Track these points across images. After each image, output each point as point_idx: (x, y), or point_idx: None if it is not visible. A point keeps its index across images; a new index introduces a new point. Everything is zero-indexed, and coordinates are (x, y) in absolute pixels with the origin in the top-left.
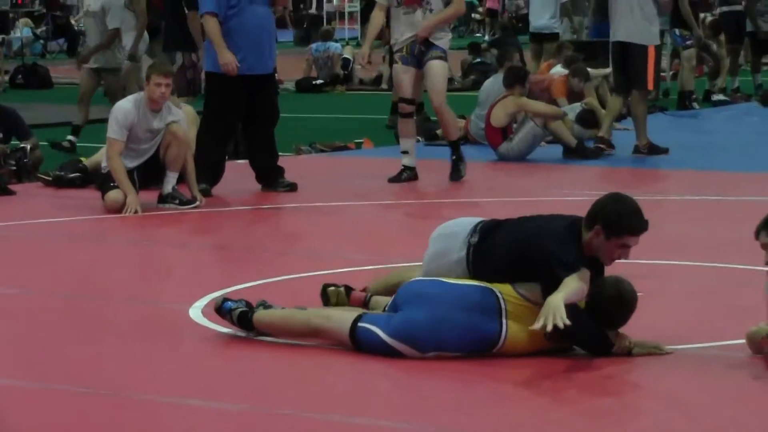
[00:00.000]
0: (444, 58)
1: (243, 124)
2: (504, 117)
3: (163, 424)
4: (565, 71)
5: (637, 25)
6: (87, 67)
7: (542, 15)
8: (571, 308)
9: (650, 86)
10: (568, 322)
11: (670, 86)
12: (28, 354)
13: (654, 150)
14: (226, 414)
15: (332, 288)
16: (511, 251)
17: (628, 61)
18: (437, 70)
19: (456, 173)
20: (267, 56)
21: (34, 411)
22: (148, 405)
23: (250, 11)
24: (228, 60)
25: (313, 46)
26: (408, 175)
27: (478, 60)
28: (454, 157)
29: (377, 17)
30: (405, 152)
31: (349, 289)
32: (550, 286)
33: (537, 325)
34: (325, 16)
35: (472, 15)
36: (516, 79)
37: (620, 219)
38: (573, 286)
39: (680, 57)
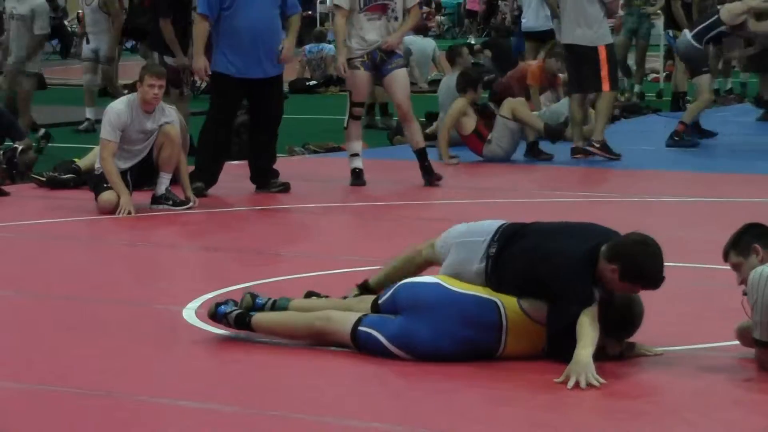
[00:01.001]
0: (405, 64)
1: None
2: (467, 121)
3: (155, 425)
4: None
5: (581, 27)
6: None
7: (536, 14)
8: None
9: (606, 87)
10: (603, 381)
11: (663, 87)
12: (21, 355)
13: (606, 150)
14: (218, 415)
15: (314, 297)
16: (527, 269)
17: (580, 62)
18: (403, 76)
19: (431, 177)
20: (264, 60)
21: (26, 412)
22: (140, 406)
23: (243, 14)
24: (198, 66)
25: (307, 47)
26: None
27: (472, 61)
28: (426, 164)
29: (342, 24)
30: (356, 155)
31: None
32: (558, 312)
33: (569, 385)
34: (318, 18)
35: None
36: (468, 84)
37: (640, 271)
38: (592, 336)
39: (674, 58)
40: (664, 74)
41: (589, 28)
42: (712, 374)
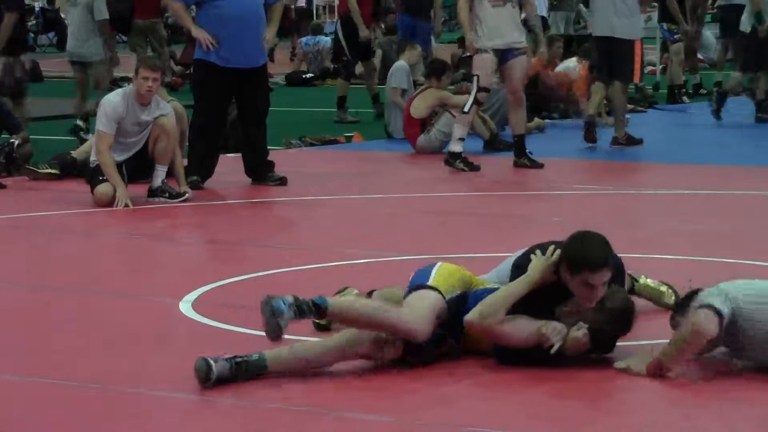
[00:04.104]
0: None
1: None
2: (424, 109)
3: (152, 417)
4: (572, 64)
5: (620, 19)
6: (70, 60)
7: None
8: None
9: (636, 79)
10: None
11: (659, 80)
12: (17, 348)
13: (631, 141)
14: (214, 408)
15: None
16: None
17: (614, 54)
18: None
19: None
20: (249, 50)
21: (22, 404)
22: (137, 398)
23: (230, 3)
24: (201, 35)
25: (303, 39)
26: (455, 161)
27: (468, 54)
28: (521, 149)
29: (464, 8)
30: (463, 139)
31: None
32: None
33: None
34: (314, 10)
35: None
36: (435, 73)
37: (576, 255)
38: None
39: (669, 51)
40: (661, 67)
41: (627, 20)
42: (709, 366)
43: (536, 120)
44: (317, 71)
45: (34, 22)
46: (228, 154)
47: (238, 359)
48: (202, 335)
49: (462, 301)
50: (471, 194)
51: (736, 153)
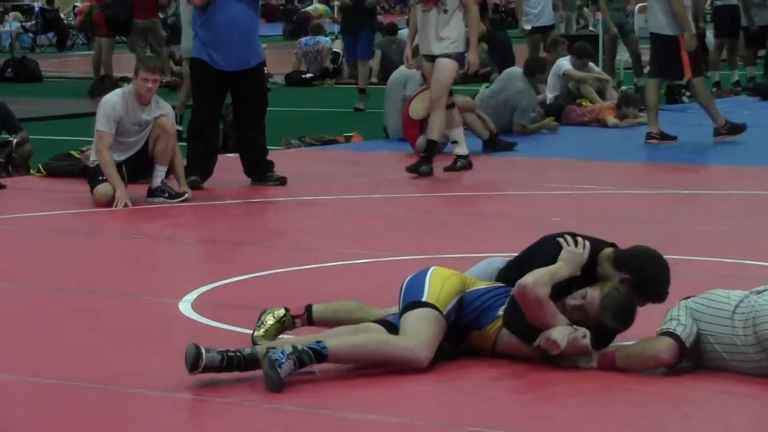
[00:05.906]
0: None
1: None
2: (423, 110)
3: (152, 417)
4: (568, 65)
5: (657, 16)
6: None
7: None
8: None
9: (688, 73)
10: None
11: None
12: (17, 347)
13: (665, 137)
14: (213, 408)
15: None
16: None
17: (659, 51)
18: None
19: (418, 166)
20: (239, 53)
21: (22, 404)
22: (137, 398)
23: (219, 6)
24: None
25: (303, 40)
26: (462, 163)
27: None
28: (426, 155)
29: (413, 17)
30: (455, 142)
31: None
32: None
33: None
34: None
35: None
36: None
37: (654, 287)
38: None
39: None
40: None
41: (666, 17)
42: (708, 367)
43: (548, 120)
44: (317, 71)
45: (34, 21)
46: (228, 154)
47: (230, 353)
48: (202, 335)
49: (459, 308)
50: (470, 194)
51: (737, 153)
